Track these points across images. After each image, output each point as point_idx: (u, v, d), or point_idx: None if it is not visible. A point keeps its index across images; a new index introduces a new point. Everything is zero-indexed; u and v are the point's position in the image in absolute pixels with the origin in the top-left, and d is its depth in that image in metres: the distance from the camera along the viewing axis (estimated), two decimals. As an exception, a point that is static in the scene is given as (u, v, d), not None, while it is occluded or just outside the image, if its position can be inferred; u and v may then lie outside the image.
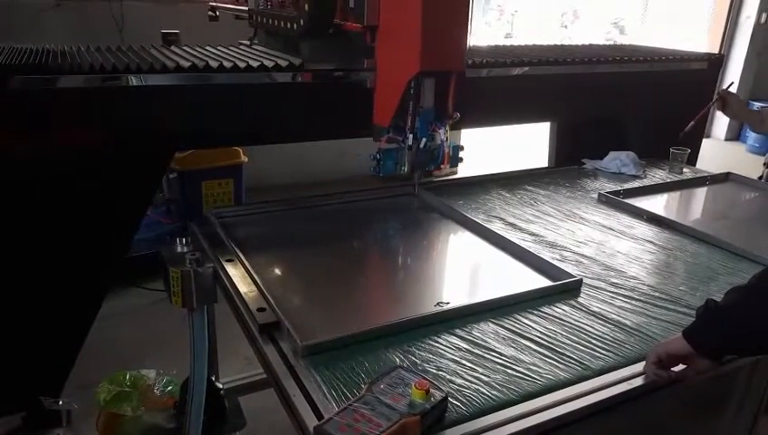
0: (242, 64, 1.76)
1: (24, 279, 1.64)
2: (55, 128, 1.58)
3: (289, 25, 1.78)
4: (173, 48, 2.15)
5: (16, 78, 1.49)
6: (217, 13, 2.70)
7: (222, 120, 1.79)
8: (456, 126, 1.75)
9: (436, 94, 1.57)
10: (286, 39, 2.07)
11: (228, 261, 1.44)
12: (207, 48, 2.15)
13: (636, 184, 2.21)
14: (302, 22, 1.69)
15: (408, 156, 1.63)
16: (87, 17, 3.86)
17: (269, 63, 1.79)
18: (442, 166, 1.68)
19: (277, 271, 1.47)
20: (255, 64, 1.76)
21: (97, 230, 1.68)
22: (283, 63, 1.80)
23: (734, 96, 2.45)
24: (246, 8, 2.22)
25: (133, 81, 1.62)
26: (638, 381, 1.09)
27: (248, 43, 2.39)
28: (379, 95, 1.62)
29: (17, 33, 3.45)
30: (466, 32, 1.51)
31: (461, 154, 1.75)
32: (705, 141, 3.26)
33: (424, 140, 1.60)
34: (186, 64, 1.70)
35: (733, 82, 2.69)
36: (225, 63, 1.74)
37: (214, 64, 1.72)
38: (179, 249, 1.34)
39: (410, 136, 1.59)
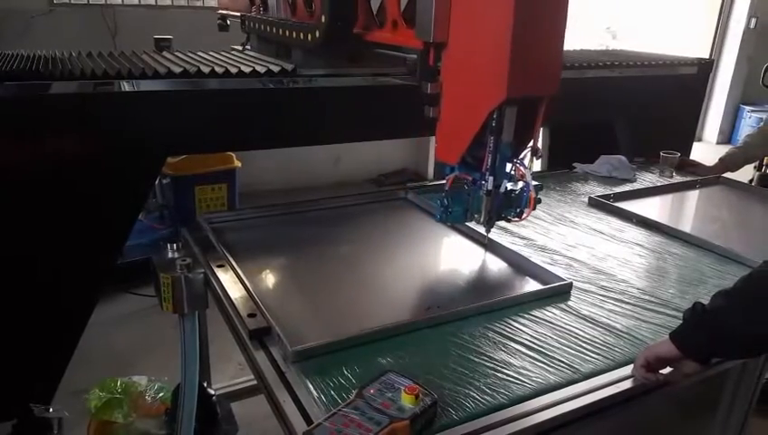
0: (234, 70, 1.76)
1: (15, 285, 1.63)
2: (47, 134, 1.57)
3: (302, 36, 1.68)
4: (165, 54, 2.16)
5: (8, 84, 1.49)
6: (228, 22, 2.58)
7: (214, 126, 1.80)
8: None
9: (519, 125, 1.27)
10: (279, 45, 2.07)
11: (219, 266, 1.44)
12: (199, 54, 2.15)
13: (626, 188, 2.22)
14: (317, 34, 1.58)
15: (484, 203, 1.32)
16: (80, 23, 3.86)
17: (261, 69, 1.80)
18: (526, 212, 1.37)
19: (268, 276, 1.47)
20: (248, 70, 1.77)
21: (88, 236, 1.68)
22: (276, 69, 1.81)
23: (692, 162, 2.50)
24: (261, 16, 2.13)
25: (125, 87, 1.63)
26: (627, 384, 1.10)
27: (240, 48, 2.40)
28: (446, 126, 1.31)
29: (9, 39, 3.44)
30: (563, 45, 1.22)
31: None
32: (696, 145, 3.29)
33: (505, 183, 1.32)
34: (177, 70, 1.70)
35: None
36: (218, 69, 1.75)
37: (206, 70, 1.73)
38: (170, 255, 1.34)
39: (489, 179, 1.28)
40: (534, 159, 1.33)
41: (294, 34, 1.75)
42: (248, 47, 2.37)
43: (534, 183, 1.35)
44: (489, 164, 1.26)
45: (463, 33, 1.20)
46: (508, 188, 1.34)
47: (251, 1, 2.16)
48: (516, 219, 1.38)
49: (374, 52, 1.65)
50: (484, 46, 1.16)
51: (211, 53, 2.18)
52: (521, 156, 1.31)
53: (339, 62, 1.84)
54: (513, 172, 1.32)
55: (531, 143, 1.31)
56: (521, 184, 1.35)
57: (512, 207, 1.37)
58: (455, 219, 1.40)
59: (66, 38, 3.72)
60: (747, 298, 0.99)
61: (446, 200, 1.36)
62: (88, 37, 3.76)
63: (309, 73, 1.85)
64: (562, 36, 1.20)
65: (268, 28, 1.96)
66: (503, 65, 1.11)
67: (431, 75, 1.28)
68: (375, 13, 1.51)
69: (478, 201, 1.34)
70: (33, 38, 3.61)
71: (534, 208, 1.37)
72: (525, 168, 1.32)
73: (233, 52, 2.29)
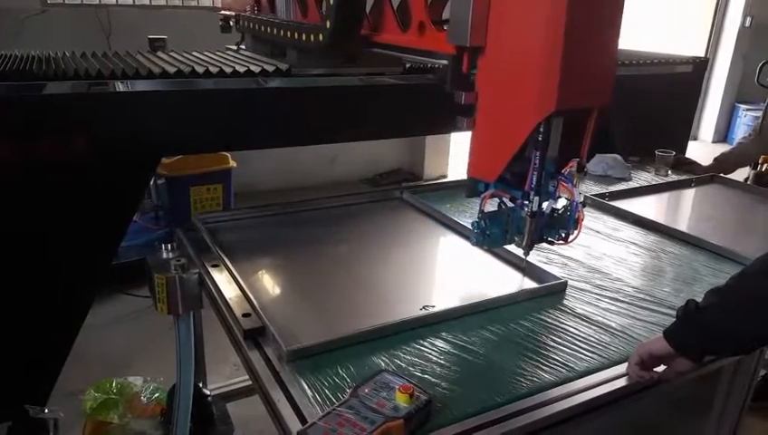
0: (228, 70, 1.76)
1: (9, 286, 1.62)
2: (41, 134, 1.57)
3: (305, 37, 1.63)
4: (159, 54, 2.15)
5: (1, 85, 1.48)
6: (232, 23, 2.46)
7: (209, 126, 1.79)
8: (446, 130, 1.66)
9: (564, 137, 1.13)
10: (273, 44, 2.07)
11: (214, 266, 1.44)
12: (194, 53, 2.15)
13: (622, 186, 2.23)
14: (320, 36, 1.52)
15: (528, 225, 1.19)
16: (73, 23, 3.85)
17: (256, 69, 1.79)
18: (573, 234, 1.23)
19: (263, 276, 1.47)
20: (242, 70, 1.77)
21: (83, 237, 1.67)
22: (271, 69, 1.80)
23: (688, 160, 2.52)
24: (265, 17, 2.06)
25: (120, 87, 1.62)
26: (622, 383, 1.10)
27: (235, 48, 2.39)
28: (482, 139, 1.17)
29: (2, 39, 3.43)
30: (617, 49, 1.10)
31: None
32: (691, 143, 3.30)
33: (550, 202, 1.19)
34: (172, 70, 1.70)
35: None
36: (212, 69, 1.74)
37: (200, 70, 1.72)
38: (165, 255, 1.34)
39: (535, 199, 1.14)
40: (580, 175, 1.20)
41: (297, 35, 1.72)
42: (242, 47, 2.37)
43: (580, 201, 1.22)
44: (534, 182, 1.13)
45: (504, 36, 1.05)
46: (552, 208, 1.21)
47: (257, 2, 2.14)
48: (561, 242, 1.24)
49: (370, 51, 1.63)
50: (529, 51, 1.01)
51: (206, 52, 2.18)
52: (564, 171, 1.18)
53: (334, 62, 1.84)
54: (556, 189, 1.18)
55: (577, 158, 1.18)
56: (562, 201, 1.21)
57: (555, 228, 1.23)
58: (493, 243, 1.27)
59: (60, 38, 3.72)
60: (740, 296, 1.00)
61: (483, 222, 1.22)
62: (82, 37, 3.75)
63: (304, 73, 1.85)
64: (617, 40, 1.08)
65: (267, 28, 1.94)
66: (552, 72, 0.97)
67: (465, 84, 1.13)
68: (394, 14, 1.41)
69: (519, 222, 1.21)
70: (27, 38, 3.59)
71: (580, 231, 1.23)
72: (573, 185, 1.17)
73: (227, 51, 2.29)
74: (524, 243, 1.22)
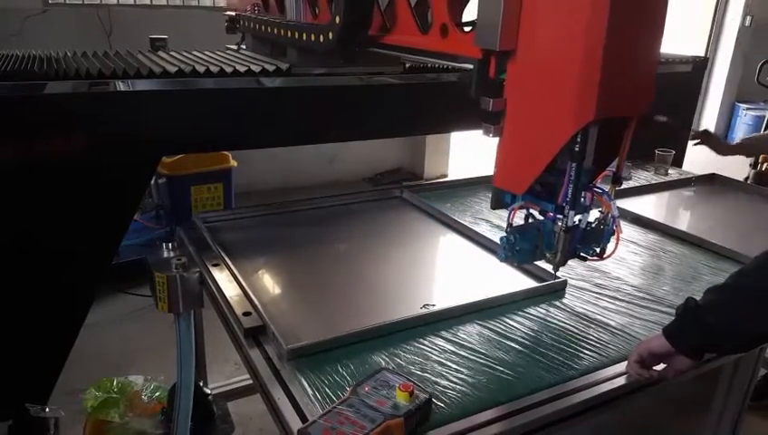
0: (229, 69, 1.76)
1: (10, 286, 1.63)
2: (42, 134, 1.57)
3: (312, 37, 1.60)
4: (160, 53, 2.15)
5: (2, 84, 1.49)
6: (238, 25, 2.37)
7: (210, 125, 1.80)
8: (447, 130, 1.59)
9: (600, 147, 1.06)
10: (274, 44, 2.06)
11: (214, 265, 1.44)
12: (195, 53, 2.15)
13: (622, 185, 2.22)
14: (330, 35, 1.48)
15: (562, 241, 1.10)
16: (74, 23, 3.85)
17: (256, 68, 1.79)
18: (609, 250, 1.15)
19: (263, 275, 1.47)
20: (243, 69, 1.77)
21: (83, 236, 1.68)
22: (271, 68, 1.81)
23: (715, 135, 2.52)
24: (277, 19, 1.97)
25: (120, 86, 1.62)
26: (621, 381, 1.10)
27: (236, 47, 2.39)
28: (511, 148, 1.08)
29: (3, 39, 3.43)
30: (659, 55, 1.03)
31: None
32: (691, 143, 3.29)
33: (584, 216, 1.10)
34: (173, 69, 1.70)
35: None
36: (212, 68, 1.74)
37: (201, 69, 1.73)
38: (165, 254, 1.34)
39: (570, 213, 1.06)
40: (616, 187, 1.13)
41: (301, 35, 1.70)
42: (243, 46, 2.37)
43: (616, 214, 1.13)
44: (570, 196, 1.04)
45: (537, 38, 0.97)
46: (588, 224, 1.12)
47: (264, 2, 2.14)
48: (595, 259, 1.16)
49: (369, 51, 1.61)
50: (566, 55, 0.93)
51: (206, 52, 2.18)
52: (597, 181, 1.11)
53: (333, 62, 1.83)
54: (589, 201, 1.09)
55: (615, 169, 1.12)
56: (594, 214, 1.12)
57: (590, 242, 1.14)
58: (522, 259, 1.19)
59: (61, 38, 3.72)
60: (739, 294, 1.00)
61: (512, 237, 1.14)
62: (83, 37, 3.75)
63: (305, 73, 1.85)
64: (660, 42, 1.00)
65: (268, 28, 1.93)
66: (592, 79, 0.90)
67: (493, 89, 1.05)
68: (413, 15, 1.33)
69: (550, 237, 1.12)
70: (28, 38, 3.60)
71: (617, 246, 1.15)
72: (610, 198, 1.10)
73: (228, 51, 2.29)
74: (557, 259, 1.13)
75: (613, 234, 1.13)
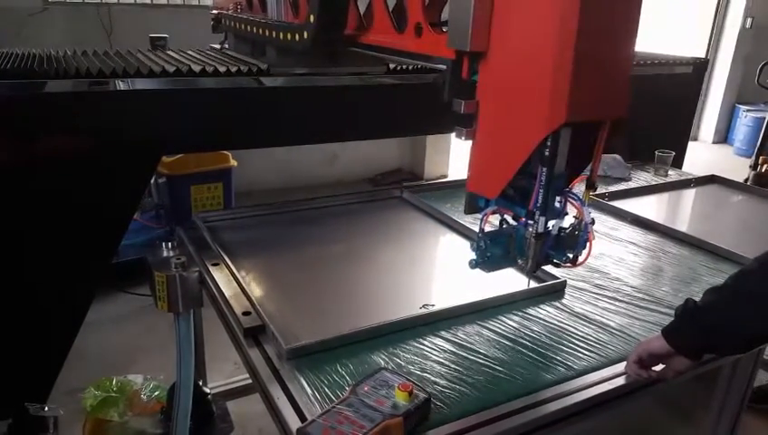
0: (222, 69, 1.76)
1: (10, 284, 1.63)
2: (42, 133, 1.57)
3: (289, 37, 1.59)
4: (158, 52, 2.16)
5: (2, 83, 1.49)
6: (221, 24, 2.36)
7: (209, 124, 1.80)
8: (446, 130, 1.58)
9: (572, 151, 1.03)
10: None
11: (214, 265, 1.44)
12: (189, 52, 2.15)
13: (621, 186, 2.23)
14: (305, 34, 1.48)
15: (533, 247, 1.07)
16: (74, 22, 3.86)
17: (233, 68, 1.78)
18: (582, 256, 1.12)
19: (263, 275, 1.47)
20: (234, 69, 1.76)
21: (83, 235, 1.68)
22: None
23: None
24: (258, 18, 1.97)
25: (120, 85, 1.62)
26: (620, 381, 1.10)
27: (219, 47, 2.38)
28: (483, 152, 1.06)
29: (3, 37, 3.43)
30: (633, 57, 1.01)
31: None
32: (691, 144, 3.31)
33: (557, 222, 1.08)
34: (171, 69, 1.70)
35: None
36: (207, 68, 1.74)
37: (197, 68, 1.72)
38: (165, 254, 1.34)
39: (541, 219, 1.04)
40: (590, 192, 1.10)
41: (277, 34, 1.69)
42: (226, 45, 2.36)
43: (589, 220, 1.11)
44: (540, 201, 1.02)
45: (509, 40, 0.96)
46: (559, 227, 1.09)
47: (247, 1, 2.14)
48: (569, 265, 1.14)
49: (351, 50, 1.58)
50: (536, 58, 0.91)
51: (189, 51, 2.18)
52: (570, 187, 1.09)
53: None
54: (562, 206, 1.08)
55: (588, 174, 1.10)
56: (569, 220, 1.11)
57: (563, 249, 1.11)
58: (493, 265, 1.16)
59: (61, 36, 3.72)
60: (738, 295, 1.00)
61: (482, 243, 1.11)
62: (83, 36, 3.75)
63: (304, 72, 1.85)
64: (633, 46, 0.98)
65: (247, 27, 1.91)
66: (563, 81, 0.88)
67: (465, 91, 1.03)
68: (389, 14, 1.32)
69: (522, 243, 1.09)
70: (28, 37, 3.60)
71: (590, 253, 1.12)
72: (582, 203, 1.08)
73: (209, 51, 2.27)
74: (528, 266, 1.10)
75: (587, 240, 1.10)
